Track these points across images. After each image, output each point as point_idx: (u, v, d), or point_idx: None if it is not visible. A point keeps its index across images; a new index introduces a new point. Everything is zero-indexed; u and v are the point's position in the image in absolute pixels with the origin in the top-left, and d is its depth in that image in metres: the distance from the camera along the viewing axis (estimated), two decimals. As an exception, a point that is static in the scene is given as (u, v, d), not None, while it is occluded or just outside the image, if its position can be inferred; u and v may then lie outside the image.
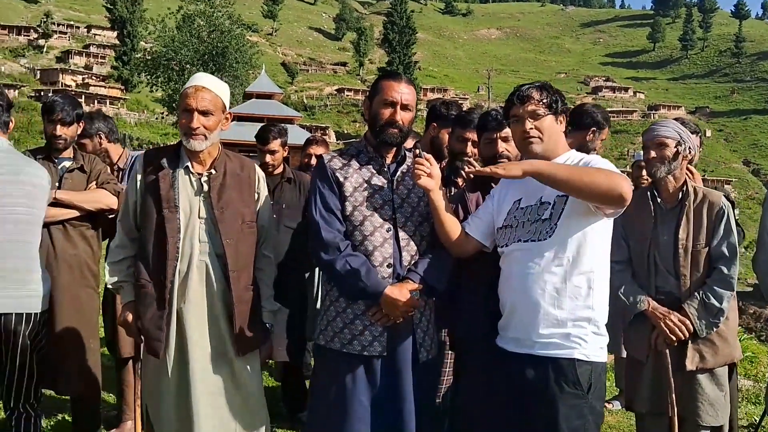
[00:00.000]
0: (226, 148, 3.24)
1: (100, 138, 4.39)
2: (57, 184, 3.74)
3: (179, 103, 3.10)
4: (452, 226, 2.86)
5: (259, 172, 3.28)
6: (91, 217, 3.87)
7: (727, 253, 3.31)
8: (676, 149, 3.33)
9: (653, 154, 3.37)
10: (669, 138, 3.34)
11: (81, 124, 3.97)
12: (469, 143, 3.68)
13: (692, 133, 3.88)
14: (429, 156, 2.82)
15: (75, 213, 3.75)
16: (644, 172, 5.05)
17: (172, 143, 3.21)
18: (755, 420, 5.11)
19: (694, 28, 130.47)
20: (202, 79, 3.09)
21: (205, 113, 2.99)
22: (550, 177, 2.55)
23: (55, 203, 3.66)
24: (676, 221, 3.35)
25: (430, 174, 2.77)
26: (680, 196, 3.39)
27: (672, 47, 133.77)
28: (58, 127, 3.79)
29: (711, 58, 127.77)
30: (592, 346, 2.58)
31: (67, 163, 3.85)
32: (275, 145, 4.46)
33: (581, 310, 2.58)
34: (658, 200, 3.43)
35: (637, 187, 4.61)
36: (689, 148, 3.37)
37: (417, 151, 2.84)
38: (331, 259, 2.79)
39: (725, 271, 3.29)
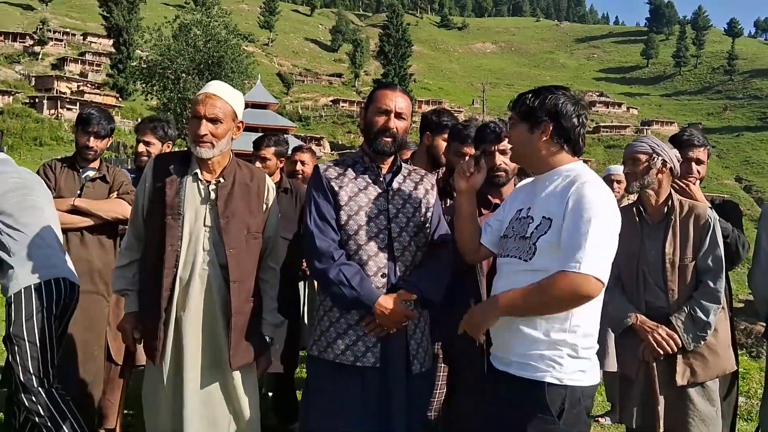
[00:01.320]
0: None
1: (170, 147, 4.50)
2: (78, 192, 3.85)
3: (190, 110, 3.09)
4: (471, 235, 2.83)
5: (269, 183, 3.25)
6: (110, 227, 3.94)
7: (713, 267, 3.29)
8: (646, 163, 3.36)
9: (627, 169, 3.44)
10: (641, 153, 3.38)
11: (111, 138, 4.07)
12: (467, 158, 3.69)
13: (700, 146, 3.86)
14: (479, 164, 2.83)
15: (90, 221, 3.84)
16: (615, 186, 5.38)
17: (182, 149, 3.22)
18: (747, 436, 5.11)
19: (688, 45, 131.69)
20: (213, 86, 3.07)
21: (213, 121, 2.97)
22: (512, 314, 2.45)
23: (74, 210, 3.79)
24: (663, 236, 3.35)
25: (471, 178, 2.79)
26: (666, 210, 3.39)
27: (665, 64, 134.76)
28: (92, 138, 3.93)
29: (704, 75, 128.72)
30: (568, 370, 2.43)
31: (90, 173, 3.97)
32: (267, 152, 4.46)
33: (556, 332, 2.43)
34: (644, 216, 3.43)
35: None
36: (663, 160, 3.36)
37: (477, 153, 2.87)
38: (325, 267, 2.78)
39: (711, 284, 3.28)
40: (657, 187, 3.39)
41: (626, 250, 3.35)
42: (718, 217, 3.39)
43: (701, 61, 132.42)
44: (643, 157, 3.37)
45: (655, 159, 3.36)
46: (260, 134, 4.91)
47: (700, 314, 3.24)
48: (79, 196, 3.84)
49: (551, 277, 2.34)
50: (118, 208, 3.92)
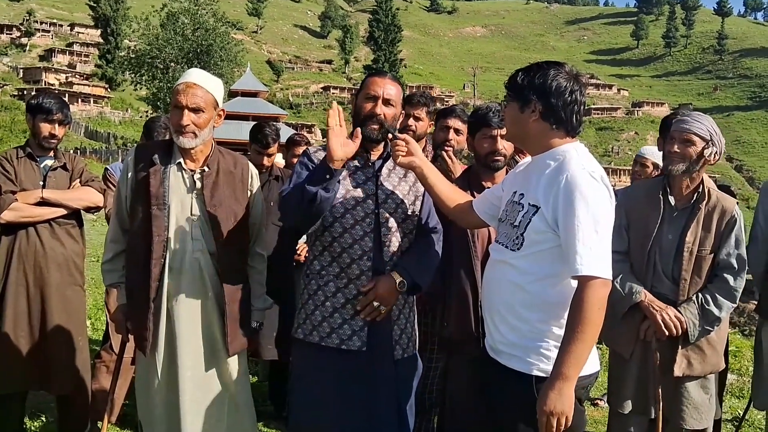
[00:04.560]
0: None
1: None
2: (41, 183, 3.73)
3: (171, 99, 3.06)
4: (451, 196, 2.81)
5: (252, 170, 3.26)
6: (76, 215, 3.86)
7: (735, 265, 3.17)
8: (701, 150, 3.12)
9: (676, 148, 3.16)
10: (698, 137, 3.13)
11: (70, 124, 3.98)
12: (451, 130, 3.72)
13: None
14: (404, 136, 2.81)
15: (62, 211, 3.74)
16: (648, 170, 4.82)
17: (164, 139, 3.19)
18: (739, 413, 5.17)
19: (677, 26, 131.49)
20: (193, 75, 3.05)
21: (195, 110, 2.96)
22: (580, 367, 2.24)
23: (42, 202, 3.66)
24: (685, 223, 3.19)
25: (408, 152, 2.76)
26: (695, 197, 3.21)
27: (655, 44, 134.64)
28: (57, 126, 3.79)
29: (694, 55, 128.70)
30: None
31: (49, 162, 3.83)
32: (275, 149, 4.49)
33: (542, 323, 2.37)
34: (670, 197, 3.23)
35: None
36: (715, 153, 3.14)
37: (390, 136, 2.83)
38: (285, 198, 2.72)
39: (731, 281, 3.16)
40: (696, 174, 3.20)
41: (642, 229, 3.26)
42: (741, 214, 3.24)
43: (691, 41, 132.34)
44: (700, 143, 3.13)
45: (711, 149, 3.13)
46: (252, 123, 4.91)
47: (713, 308, 3.14)
48: (43, 186, 3.72)
49: (576, 303, 2.21)
50: (88, 196, 3.84)
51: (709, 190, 3.22)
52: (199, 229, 3.02)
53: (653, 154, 4.72)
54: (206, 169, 3.06)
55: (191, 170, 3.05)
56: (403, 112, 2.98)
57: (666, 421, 3.22)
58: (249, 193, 3.20)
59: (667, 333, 3.14)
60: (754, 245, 3.67)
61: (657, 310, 3.15)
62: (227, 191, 3.08)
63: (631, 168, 5.41)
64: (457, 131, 3.73)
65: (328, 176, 2.58)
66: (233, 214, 3.08)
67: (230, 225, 3.06)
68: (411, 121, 4.05)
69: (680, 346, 3.19)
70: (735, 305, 3.21)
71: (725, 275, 3.18)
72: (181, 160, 3.04)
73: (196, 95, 2.96)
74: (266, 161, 4.44)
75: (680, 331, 3.14)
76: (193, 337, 3.00)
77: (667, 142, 3.26)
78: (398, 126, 4.09)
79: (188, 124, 2.94)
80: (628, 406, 3.31)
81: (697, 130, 3.15)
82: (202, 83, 3.01)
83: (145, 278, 2.94)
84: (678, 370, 3.20)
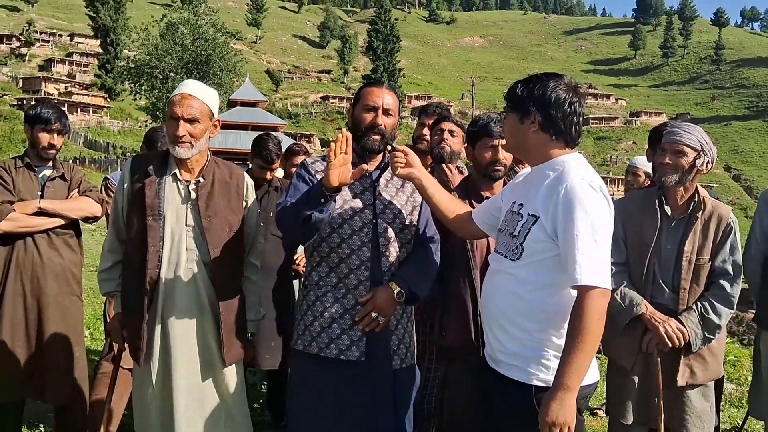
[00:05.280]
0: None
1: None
2: (39, 193, 3.73)
3: (167, 110, 3.09)
4: (450, 207, 2.83)
5: (248, 180, 3.27)
6: (74, 225, 3.87)
7: (731, 272, 3.20)
8: (693, 161, 3.14)
9: (668, 159, 3.18)
10: (689, 147, 3.15)
11: (69, 134, 3.99)
12: (446, 132, 3.78)
13: None
14: (403, 147, 2.83)
15: (59, 221, 3.74)
16: (640, 179, 4.85)
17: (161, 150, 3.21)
18: (738, 423, 5.17)
19: (675, 36, 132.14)
20: (189, 86, 3.07)
21: (191, 121, 2.98)
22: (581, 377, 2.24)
23: (39, 212, 3.66)
24: (683, 232, 3.21)
25: (408, 164, 2.77)
26: (691, 207, 3.24)
27: (653, 54, 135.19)
28: (56, 136, 3.80)
29: (691, 65, 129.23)
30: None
31: (47, 172, 3.83)
32: (278, 163, 4.50)
33: (540, 332, 2.38)
34: (666, 208, 3.25)
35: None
36: (707, 162, 3.16)
37: (389, 147, 2.84)
38: (280, 210, 2.72)
39: (728, 288, 3.19)
40: (690, 183, 3.21)
41: (639, 239, 3.27)
42: (737, 221, 3.27)
43: (688, 51, 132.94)
44: (691, 153, 3.14)
45: (703, 159, 3.15)
46: (250, 132, 4.93)
47: (713, 316, 3.15)
48: (41, 196, 3.72)
49: (575, 313, 2.22)
50: (86, 206, 3.84)
51: (704, 199, 3.24)
52: (194, 239, 3.03)
53: (645, 164, 4.76)
54: (201, 179, 3.08)
55: (186, 181, 3.07)
56: (398, 120, 2.99)
57: (667, 430, 3.22)
58: (244, 203, 3.21)
59: (669, 345, 3.14)
60: (748, 255, 3.68)
61: (659, 323, 3.15)
62: (222, 202, 3.09)
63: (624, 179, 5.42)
64: (451, 132, 3.76)
65: (322, 200, 2.57)
66: (228, 224, 3.09)
67: (225, 235, 3.07)
68: (425, 131, 4.09)
69: (682, 356, 3.20)
70: (733, 312, 3.22)
71: (721, 282, 3.20)
72: (177, 170, 3.05)
73: (191, 106, 2.98)
74: (269, 176, 4.46)
75: (683, 343, 3.15)
76: (187, 347, 3.00)
77: (659, 153, 3.27)
78: (413, 135, 4.19)
79: (184, 135, 2.96)
80: (630, 417, 3.30)
81: (687, 141, 3.16)
82: (198, 94, 3.03)
83: (139, 288, 2.95)
84: (681, 379, 3.20)
